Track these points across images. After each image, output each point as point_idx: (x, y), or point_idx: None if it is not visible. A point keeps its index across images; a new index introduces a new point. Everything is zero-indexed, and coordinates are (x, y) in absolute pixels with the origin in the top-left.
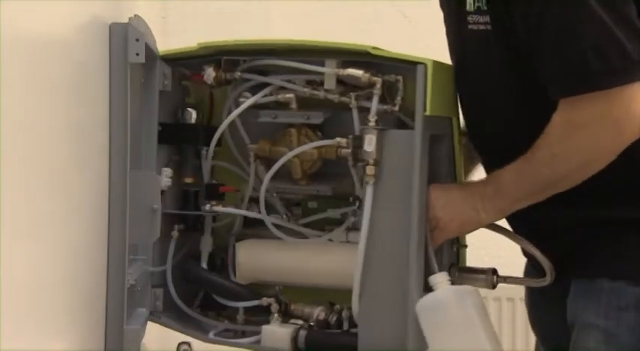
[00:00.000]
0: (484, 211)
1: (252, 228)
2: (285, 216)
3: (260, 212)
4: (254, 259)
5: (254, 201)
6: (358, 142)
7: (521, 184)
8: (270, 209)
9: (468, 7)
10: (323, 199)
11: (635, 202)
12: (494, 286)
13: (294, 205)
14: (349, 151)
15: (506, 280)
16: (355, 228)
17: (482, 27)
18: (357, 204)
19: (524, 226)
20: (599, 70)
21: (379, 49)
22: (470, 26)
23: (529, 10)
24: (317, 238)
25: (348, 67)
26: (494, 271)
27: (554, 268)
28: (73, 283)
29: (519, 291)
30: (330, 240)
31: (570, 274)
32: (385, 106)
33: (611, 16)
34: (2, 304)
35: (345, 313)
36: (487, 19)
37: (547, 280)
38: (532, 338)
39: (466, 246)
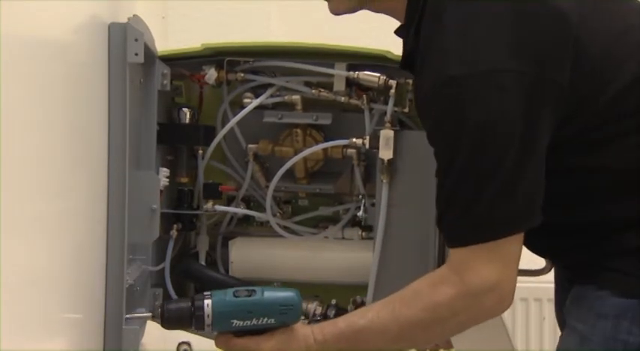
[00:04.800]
0: None
1: (239, 226)
2: (278, 214)
3: (256, 211)
4: (247, 257)
5: (242, 200)
6: (375, 143)
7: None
8: (259, 208)
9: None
10: (313, 197)
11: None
12: None
13: (283, 203)
14: (354, 150)
15: None
16: (351, 224)
17: None
18: (363, 201)
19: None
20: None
21: (391, 52)
22: None
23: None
24: (311, 236)
25: (355, 69)
26: None
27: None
28: (73, 283)
29: (547, 292)
30: (326, 237)
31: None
32: (396, 108)
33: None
34: (2, 304)
35: (350, 308)
36: None
37: (545, 272)
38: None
39: None
